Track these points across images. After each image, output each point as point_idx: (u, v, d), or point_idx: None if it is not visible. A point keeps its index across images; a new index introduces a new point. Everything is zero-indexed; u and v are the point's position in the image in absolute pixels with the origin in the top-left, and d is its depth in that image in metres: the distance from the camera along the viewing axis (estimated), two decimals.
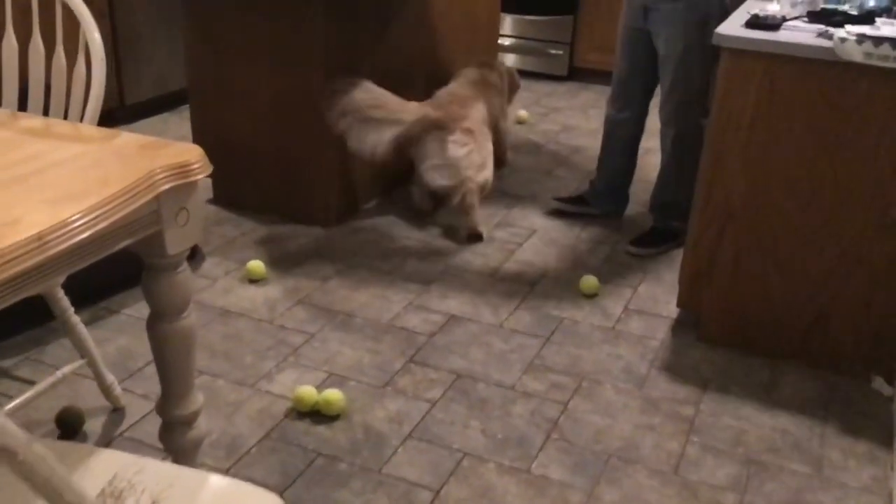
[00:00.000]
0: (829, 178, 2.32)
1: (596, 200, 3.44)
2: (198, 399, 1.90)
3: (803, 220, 2.38)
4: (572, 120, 4.65)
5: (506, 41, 5.38)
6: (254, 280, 2.83)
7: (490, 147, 3.33)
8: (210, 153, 3.45)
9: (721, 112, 2.36)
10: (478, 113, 3.36)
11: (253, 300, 2.73)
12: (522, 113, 4.65)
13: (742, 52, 2.24)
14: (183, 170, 1.67)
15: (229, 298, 2.73)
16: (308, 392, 2.19)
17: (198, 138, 3.35)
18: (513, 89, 3.94)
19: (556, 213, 3.46)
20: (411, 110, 3.13)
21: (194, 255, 2.96)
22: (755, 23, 2.26)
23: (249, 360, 2.42)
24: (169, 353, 1.82)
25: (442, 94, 3.44)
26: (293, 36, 3.04)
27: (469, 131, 3.17)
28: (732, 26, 2.31)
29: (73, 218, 1.43)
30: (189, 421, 1.89)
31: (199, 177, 1.70)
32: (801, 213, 2.38)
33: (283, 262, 2.98)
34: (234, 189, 3.37)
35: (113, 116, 4.17)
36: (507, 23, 5.34)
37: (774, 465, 2.11)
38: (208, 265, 2.93)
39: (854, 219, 2.33)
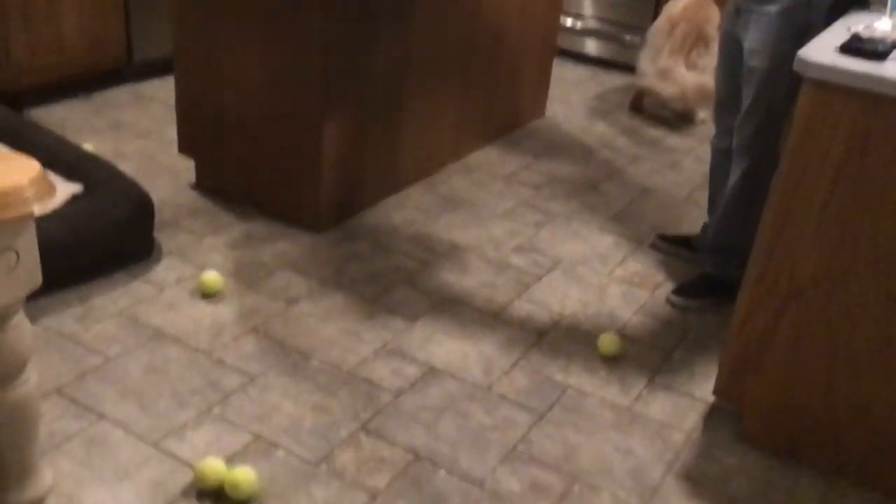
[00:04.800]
0: None
1: (705, 251, 2.75)
2: (43, 482, 1.47)
3: (893, 310, 1.79)
4: (640, 122, 4.04)
5: (578, 24, 4.76)
6: (207, 295, 2.38)
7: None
8: (196, 131, 3.03)
9: (795, 159, 1.77)
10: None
11: (197, 322, 2.28)
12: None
13: (831, 86, 1.65)
14: (5, 199, 1.21)
15: (169, 316, 2.29)
16: (212, 468, 1.73)
17: (182, 113, 2.91)
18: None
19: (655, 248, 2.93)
20: None
21: (149, 254, 2.53)
22: (855, 47, 1.65)
23: (164, 407, 1.97)
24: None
25: None
26: (289, 10, 2.54)
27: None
28: (823, 49, 1.71)
29: None
30: None
31: (31, 208, 1.24)
32: (891, 302, 1.78)
33: (249, 273, 2.52)
34: (219, 175, 2.92)
35: (120, 74, 3.77)
36: (587, 3, 4.71)
37: None
38: (161, 268, 2.49)
39: None
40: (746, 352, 1.98)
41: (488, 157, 3.48)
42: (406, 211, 2.98)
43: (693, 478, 1.93)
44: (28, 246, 1.27)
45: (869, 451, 1.92)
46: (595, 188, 3.30)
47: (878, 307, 1.80)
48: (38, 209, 1.22)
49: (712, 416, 2.13)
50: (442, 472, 1.87)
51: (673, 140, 3.85)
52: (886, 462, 1.90)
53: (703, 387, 2.23)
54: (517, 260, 2.75)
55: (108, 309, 2.28)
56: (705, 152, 3.64)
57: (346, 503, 1.76)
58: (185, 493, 1.74)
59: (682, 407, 2.16)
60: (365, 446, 1.91)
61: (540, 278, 2.66)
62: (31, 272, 1.29)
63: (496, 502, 1.80)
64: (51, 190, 1.25)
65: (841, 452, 1.95)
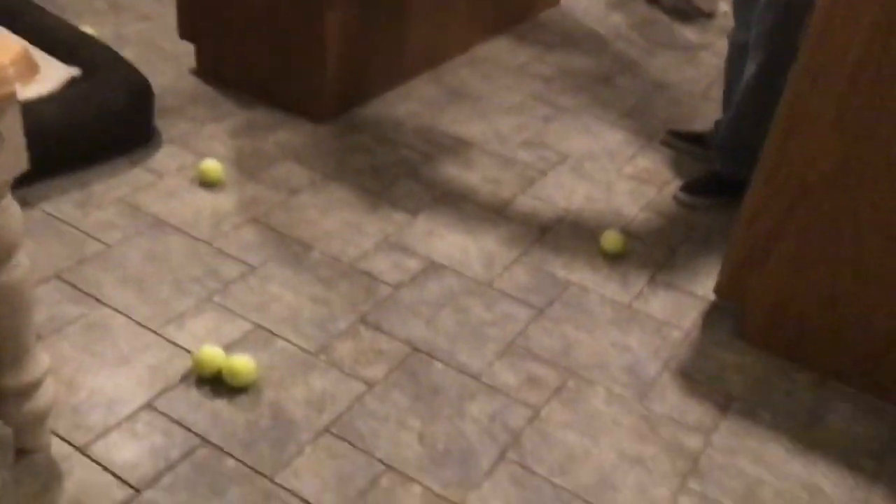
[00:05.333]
0: None
1: (716, 149, 2.66)
2: (39, 365, 1.48)
3: None
4: (658, 14, 3.90)
5: None
6: (206, 184, 2.36)
7: None
8: (197, 16, 2.93)
9: (815, 51, 1.70)
10: None
11: (197, 210, 2.26)
12: None
13: None
14: None
15: (169, 204, 2.27)
16: (211, 355, 1.74)
17: None
18: None
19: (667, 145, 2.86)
20: None
21: (148, 141, 2.49)
22: None
23: (165, 294, 1.97)
24: None
25: None
26: None
27: None
28: None
29: None
30: (26, 392, 1.48)
31: (12, 88, 1.20)
32: None
33: (250, 162, 2.49)
34: (220, 61, 2.84)
35: None
36: None
37: None
38: (161, 155, 2.46)
39: None
40: (751, 251, 1.96)
41: (498, 49, 3.38)
42: (411, 103, 2.92)
43: (689, 374, 1.94)
44: (13, 127, 1.23)
45: (868, 355, 1.91)
46: (608, 82, 3.21)
47: (889, 211, 1.75)
48: (21, 89, 1.18)
49: (712, 315, 2.13)
50: (439, 365, 1.88)
51: (691, 34, 3.72)
52: (885, 366, 1.90)
53: (705, 285, 2.22)
54: (523, 155, 2.70)
55: (107, 196, 2.27)
56: (724, 47, 3.53)
57: (344, 393, 1.78)
58: (185, 379, 1.76)
59: (683, 305, 2.15)
60: (363, 338, 1.92)
61: (546, 174, 2.62)
62: (16, 155, 1.26)
63: (491, 395, 1.82)
64: (34, 70, 1.21)
65: (840, 355, 1.95)
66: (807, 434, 1.83)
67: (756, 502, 1.66)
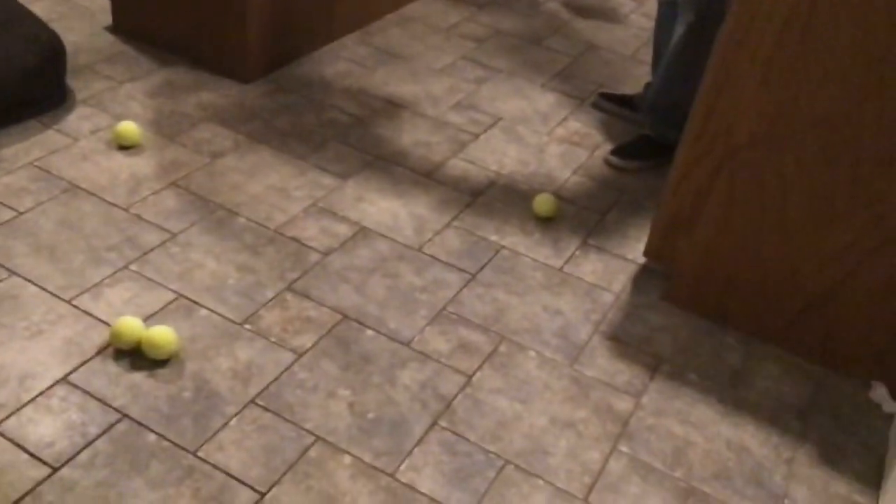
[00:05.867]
0: (879, 123, 1.68)
1: (645, 111, 2.64)
2: None
3: (830, 173, 1.76)
4: None
5: None
6: (124, 146, 2.25)
7: None
8: None
9: (743, 11, 1.69)
10: None
11: (114, 174, 2.16)
12: None
13: None
14: None
15: (84, 168, 2.16)
16: (129, 326, 1.67)
17: None
18: None
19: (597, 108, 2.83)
20: None
21: (62, 102, 2.37)
22: None
23: (79, 263, 1.88)
24: None
25: None
26: None
27: None
28: None
29: None
30: None
31: None
32: (830, 164, 1.76)
33: (171, 124, 2.38)
34: (138, 17, 2.71)
35: None
36: None
37: (718, 503, 1.62)
38: (75, 117, 2.34)
39: None
40: (679, 213, 1.96)
41: (429, 8, 3.31)
42: (341, 63, 2.83)
43: (619, 337, 1.95)
44: None
45: (793, 313, 1.95)
46: (539, 43, 3.18)
47: (813, 169, 1.77)
48: None
49: (642, 278, 2.13)
50: (369, 333, 1.84)
51: None
52: (808, 324, 1.94)
53: (635, 248, 2.22)
54: (455, 117, 2.65)
55: (18, 159, 2.15)
56: (655, 9, 3.52)
57: (271, 363, 1.73)
58: (102, 352, 1.68)
59: (613, 268, 2.15)
60: (291, 306, 1.87)
61: (478, 137, 2.58)
62: None
63: (423, 362, 1.79)
64: None
65: (766, 314, 1.98)
66: (733, 394, 1.85)
67: (684, 463, 1.68)
